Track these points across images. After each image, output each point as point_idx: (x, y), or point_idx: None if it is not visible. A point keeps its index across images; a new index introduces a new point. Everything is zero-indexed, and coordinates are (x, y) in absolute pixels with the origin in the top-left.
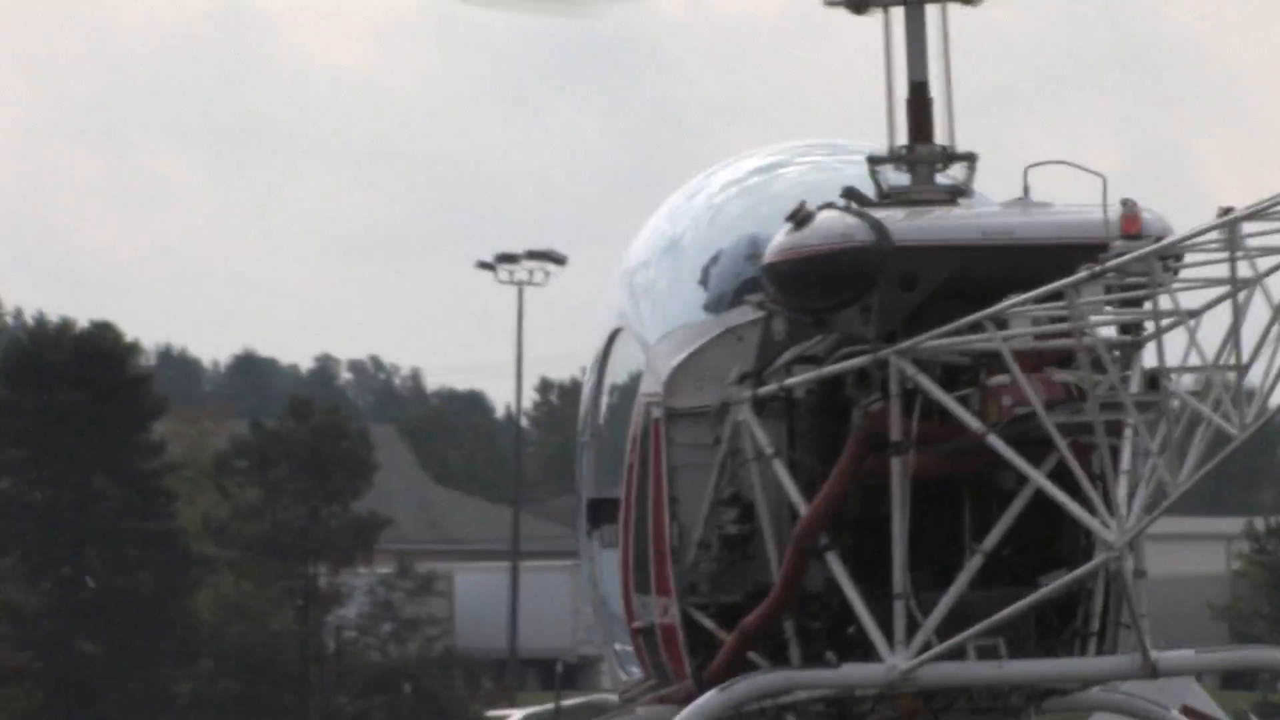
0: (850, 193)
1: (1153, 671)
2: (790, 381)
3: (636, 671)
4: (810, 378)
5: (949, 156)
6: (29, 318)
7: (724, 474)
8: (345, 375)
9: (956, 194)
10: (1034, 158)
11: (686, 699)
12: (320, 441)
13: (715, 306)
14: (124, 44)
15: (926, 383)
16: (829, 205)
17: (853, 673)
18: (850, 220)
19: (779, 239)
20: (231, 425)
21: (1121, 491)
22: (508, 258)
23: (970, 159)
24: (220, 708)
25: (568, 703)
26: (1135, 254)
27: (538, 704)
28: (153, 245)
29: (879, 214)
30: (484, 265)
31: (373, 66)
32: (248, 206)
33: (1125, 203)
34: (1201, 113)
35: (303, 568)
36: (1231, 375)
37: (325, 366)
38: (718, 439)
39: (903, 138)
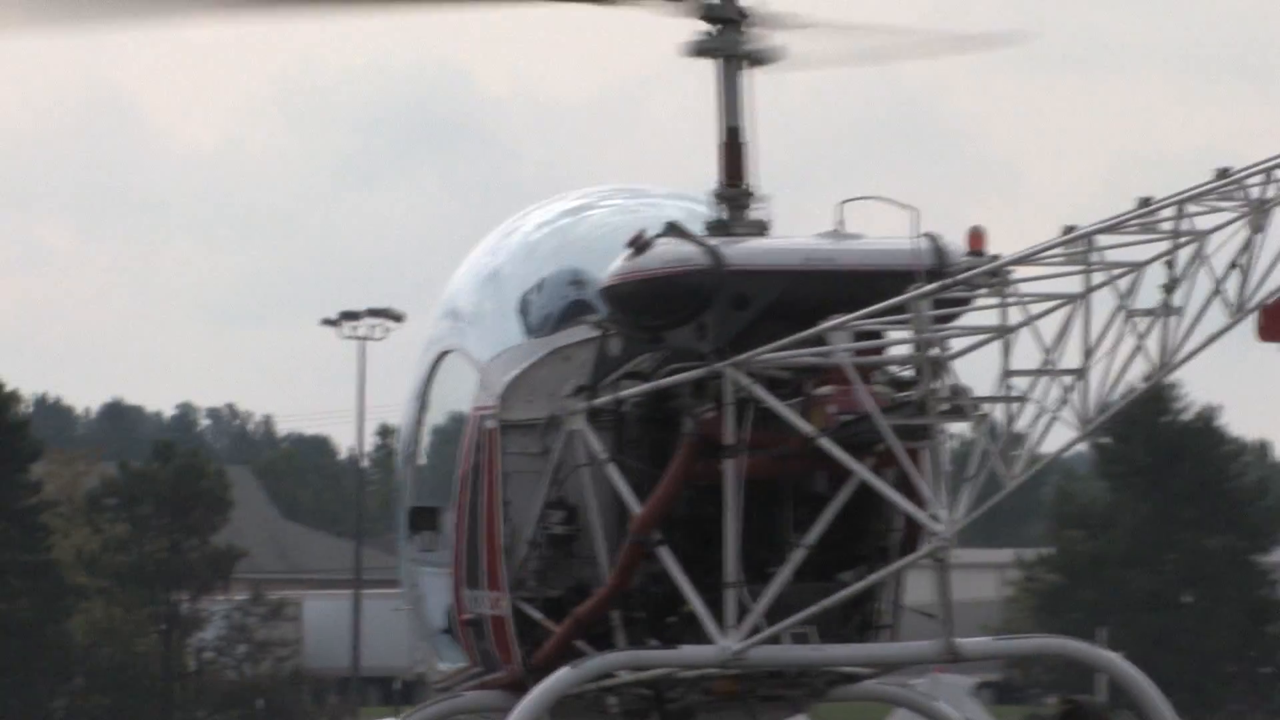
0: (672, 226)
1: (955, 656)
2: (625, 394)
3: (455, 662)
4: (645, 389)
5: (744, 194)
6: None
7: (553, 480)
8: (204, 421)
9: (763, 228)
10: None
11: (512, 684)
12: (181, 481)
13: (540, 330)
14: (5, 122)
15: (761, 392)
16: (665, 234)
17: (691, 653)
18: (687, 247)
19: (619, 264)
20: (102, 467)
21: (939, 489)
22: (350, 315)
23: (765, 198)
24: (95, 715)
25: (408, 715)
26: (984, 267)
27: (378, 718)
28: (30, 304)
29: (713, 241)
30: (329, 322)
31: (230, 142)
32: (116, 270)
33: (931, 235)
34: (979, 183)
35: (166, 595)
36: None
37: (186, 414)
38: (547, 448)
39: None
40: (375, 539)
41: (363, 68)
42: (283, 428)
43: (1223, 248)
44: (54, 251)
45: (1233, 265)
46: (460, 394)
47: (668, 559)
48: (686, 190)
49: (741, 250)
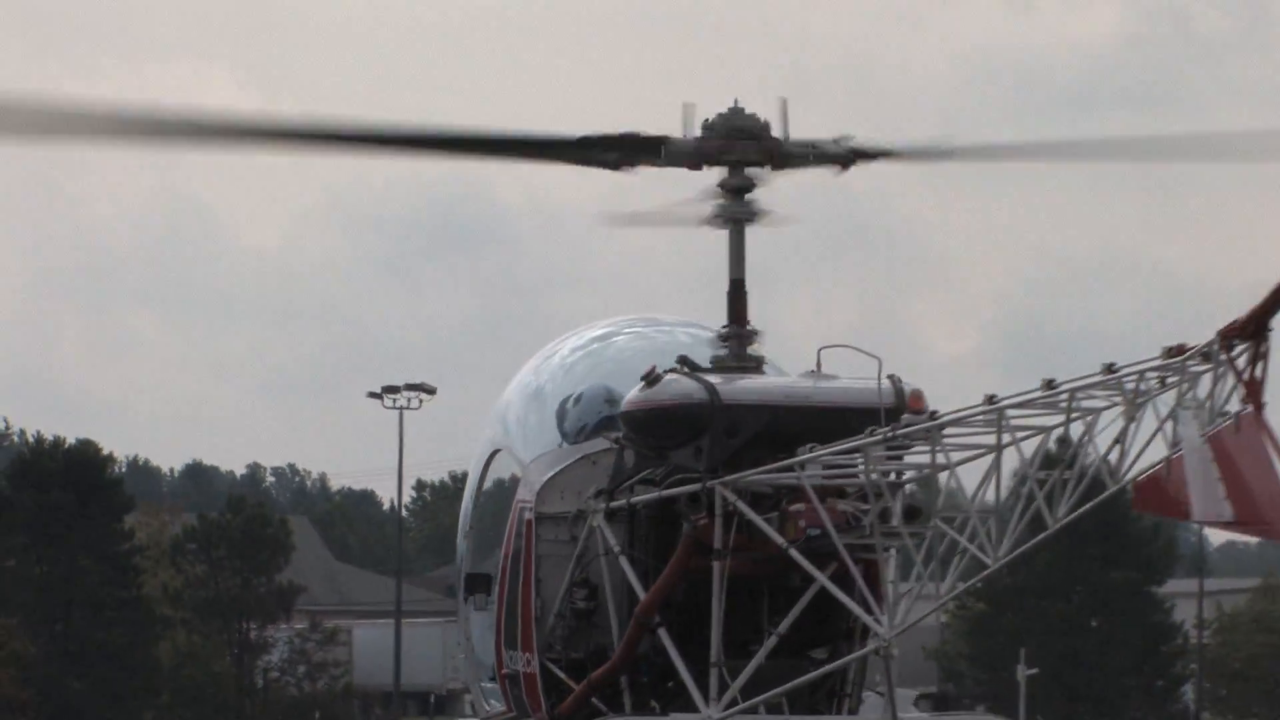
0: (684, 360)
1: None
2: (636, 499)
3: (498, 705)
4: (652, 497)
5: (749, 333)
6: (30, 437)
7: (578, 564)
8: (269, 479)
9: (760, 363)
10: (820, 336)
11: None
12: (250, 529)
13: (574, 438)
14: (96, 225)
15: (743, 507)
16: (673, 370)
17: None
18: (689, 383)
19: (634, 393)
20: (184, 517)
21: (889, 595)
22: (391, 389)
23: (755, 334)
24: None
25: None
26: (921, 425)
27: None
28: (123, 381)
29: (711, 379)
30: (373, 394)
31: (289, 244)
32: (195, 352)
33: (893, 378)
34: (915, 280)
35: (237, 624)
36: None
37: (254, 472)
38: (574, 537)
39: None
40: (413, 576)
41: (399, 179)
42: (335, 483)
43: (1109, 427)
44: (143, 337)
45: (1116, 441)
46: (507, 486)
47: (665, 638)
48: (693, 320)
49: (734, 387)
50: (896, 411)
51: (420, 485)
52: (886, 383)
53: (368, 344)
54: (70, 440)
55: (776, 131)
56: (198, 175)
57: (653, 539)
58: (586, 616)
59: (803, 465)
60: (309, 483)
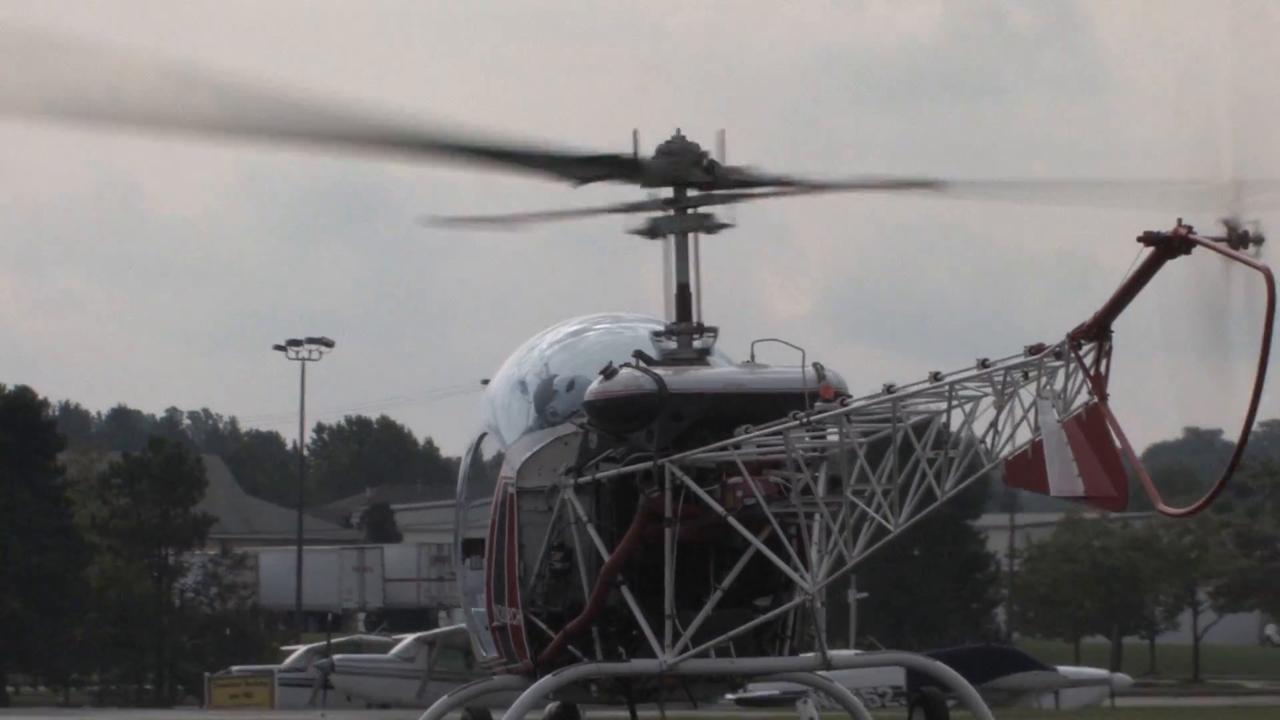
0: (639, 354)
1: (828, 665)
2: (600, 475)
3: (492, 652)
4: (612, 474)
5: (700, 330)
6: None
7: (554, 531)
8: (186, 422)
9: (705, 355)
10: (760, 333)
11: (526, 673)
12: (169, 466)
13: (549, 422)
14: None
15: (689, 482)
16: (627, 364)
17: (639, 665)
18: (641, 375)
19: (595, 385)
20: (110, 455)
21: (813, 555)
22: (294, 342)
23: (714, 331)
24: (103, 644)
25: (336, 640)
26: (832, 413)
27: (315, 641)
28: (55, 335)
29: (659, 371)
30: (278, 347)
31: (206, 213)
32: (121, 310)
33: (816, 365)
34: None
35: (158, 551)
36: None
37: (172, 416)
38: (550, 508)
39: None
40: (313, 508)
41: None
42: (244, 426)
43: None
44: (74, 296)
45: (991, 426)
46: (493, 464)
47: (627, 594)
48: (653, 316)
49: (679, 378)
50: (817, 397)
51: (320, 428)
52: (810, 370)
53: (274, 303)
54: (9, 387)
55: (715, 155)
56: (125, 152)
57: (614, 509)
58: (563, 576)
59: (738, 445)
60: (221, 425)
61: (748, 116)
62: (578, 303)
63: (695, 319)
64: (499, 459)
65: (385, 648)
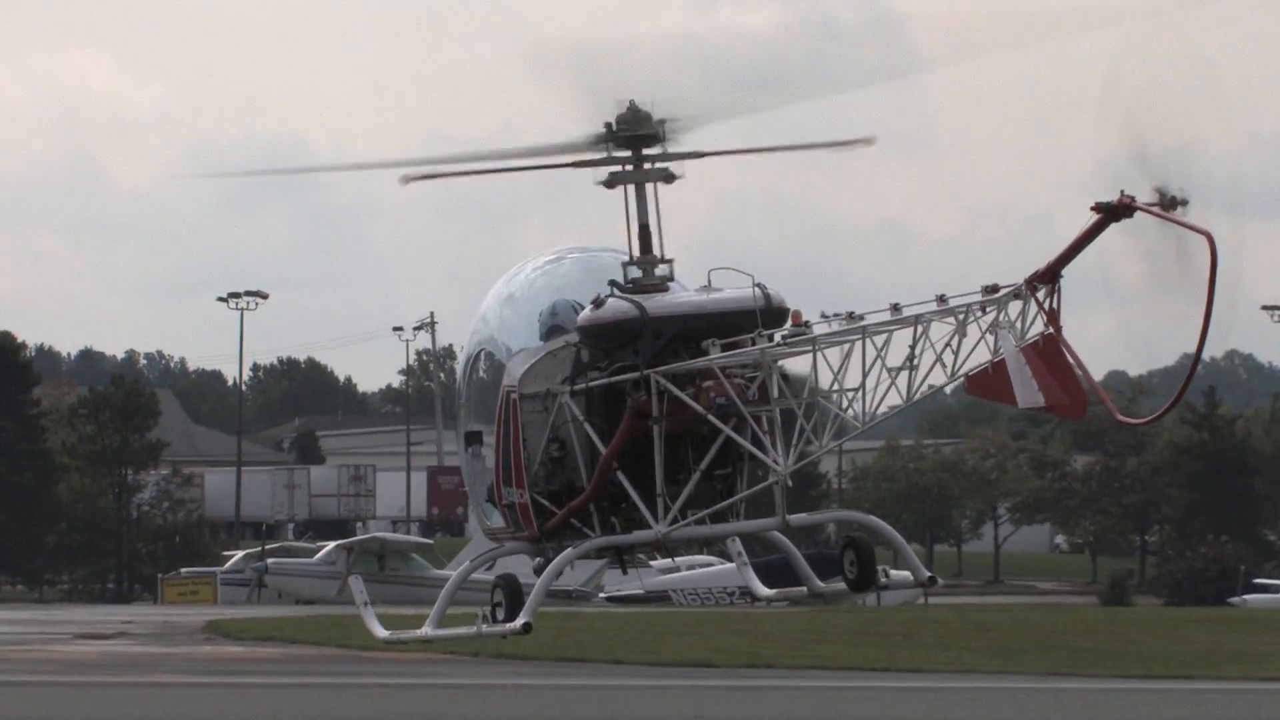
0: (614, 284)
1: (788, 525)
2: (592, 384)
3: (493, 520)
4: (603, 382)
5: (662, 260)
6: None
7: (551, 427)
8: (143, 361)
9: (666, 281)
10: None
11: (531, 540)
12: (128, 399)
13: (541, 338)
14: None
15: (673, 388)
16: (611, 295)
17: (639, 535)
18: (625, 304)
19: (586, 312)
20: (78, 390)
21: (780, 445)
22: (234, 294)
23: (670, 263)
24: (71, 550)
25: (269, 546)
26: (808, 336)
27: (252, 547)
28: (32, 286)
29: (639, 299)
30: (221, 299)
31: (158, 184)
32: (88, 265)
33: (760, 285)
34: None
35: (118, 471)
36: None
37: (131, 356)
38: (546, 408)
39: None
40: (249, 435)
41: (239, 141)
42: (192, 365)
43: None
44: (49, 254)
45: (945, 346)
46: (494, 373)
47: (622, 478)
48: (612, 245)
49: (656, 303)
50: (767, 311)
51: (256, 367)
52: (758, 291)
53: (217, 261)
54: None
55: (661, 121)
56: (89, 133)
57: (604, 410)
58: (559, 463)
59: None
60: (172, 364)
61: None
62: (468, 261)
63: (656, 253)
64: (499, 370)
65: (310, 553)
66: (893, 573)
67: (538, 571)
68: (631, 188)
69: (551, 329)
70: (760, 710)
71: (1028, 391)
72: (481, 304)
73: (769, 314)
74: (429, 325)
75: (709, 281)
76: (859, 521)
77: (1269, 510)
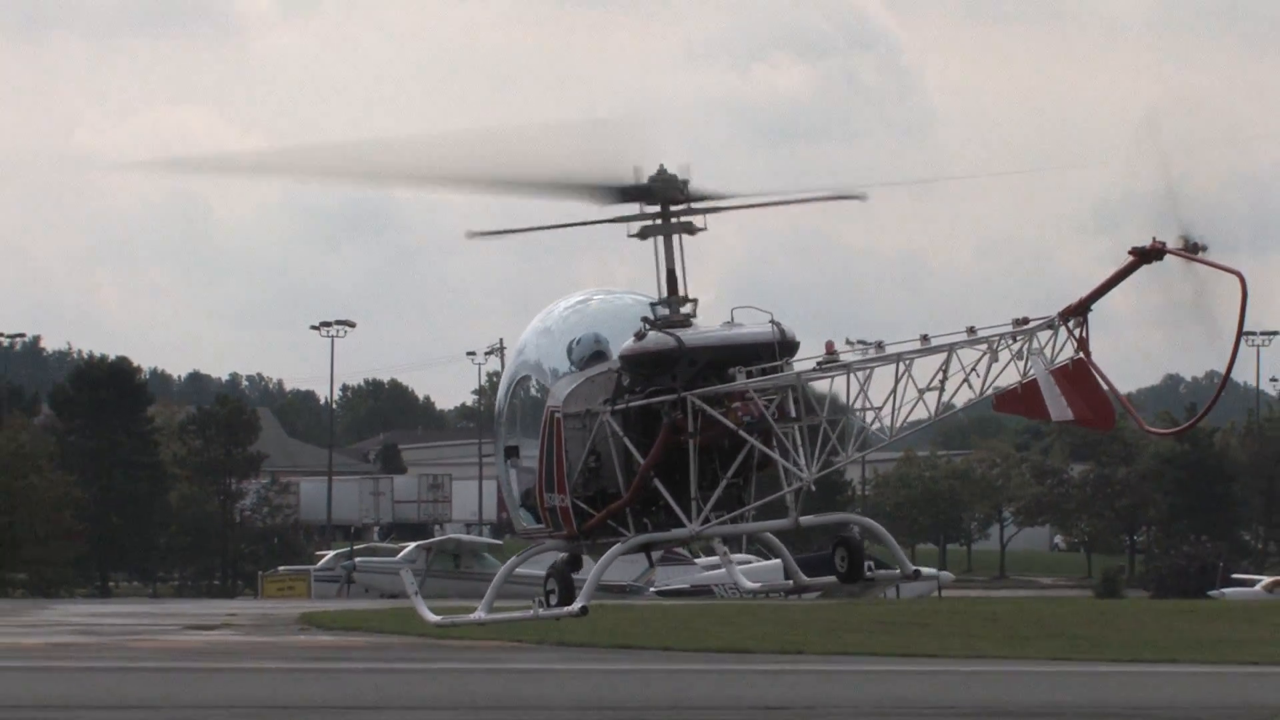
0: (645, 319)
1: (799, 526)
2: (631, 405)
3: (528, 522)
4: (641, 403)
5: (685, 300)
6: (85, 355)
7: (589, 444)
8: (245, 383)
9: (689, 318)
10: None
11: (570, 537)
12: (232, 416)
13: (579, 366)
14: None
15: (707, 407)
16: (651, 329)
17: (678, 533)
18: (665, 336)
19: (629, 344)
20: (187, 408)
21: (802, 457)
22: (326, 323)
23: (694, 302)
24: (181, 551)
25: (357, 546)
26: (841, 364)
27: (341, 547)
28: (148, 317)
29: (677, 332)
30: (314, 326)
31: (260, 225)
32: (196, 298)
33: (774, 322)
34: None
35: (223, 480)
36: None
37: (234, 379)
38: (585, 427)
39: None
40: (339, 449)
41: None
42: (289, 386)
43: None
44: (162, 288)
45: (972, 369)
46: (536, 397)
47: (659, 484)
48: (634, 290)
49: (691, 336)
50: (782, 344)
51: (345, 388)
52: (774, 327)
53: (310, 293)
54: (112, 356)
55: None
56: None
57: (640, 426)
58: (596, 473)
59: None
60: (271, 385)
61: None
62: (531, 293)
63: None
64: (543, 393)
65: (393, 552)
66: (880, 571)
67: (548, 570)
68: (660, 239)
69: (588, 358)
70: (790, 693)
71: (1058, 408)
72: (520, 338)
73: (784, 346)
74: (498, 350)
75: (732, 318)
76: (858, 522)
77: (1244, 513)
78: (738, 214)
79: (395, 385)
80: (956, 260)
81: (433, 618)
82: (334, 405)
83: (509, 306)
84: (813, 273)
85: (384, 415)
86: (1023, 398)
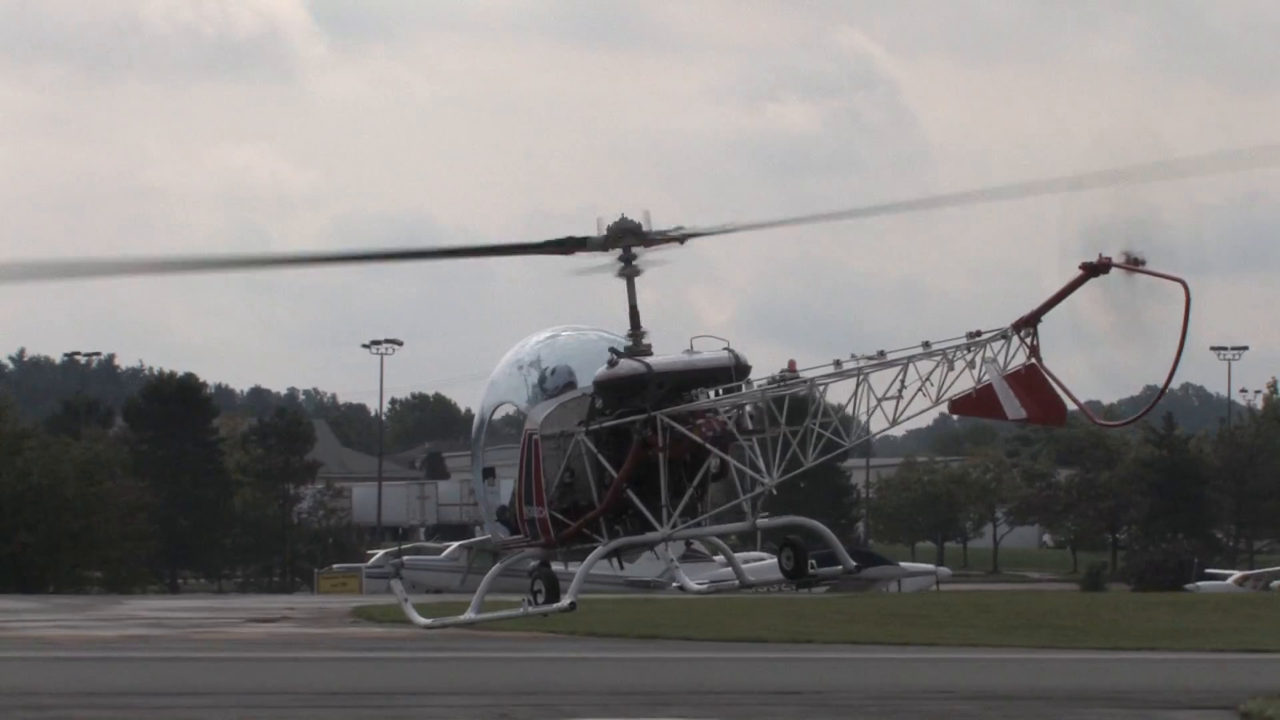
0: (614, 350)
1: (756, 527)
2: (603, 425)
3: (509, 535)
4: (612, 424)
5: (643, 334)
6: (154, 370)
7: (563, 462)
8: (302, 396)
9: (649, 349)
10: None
11: (548, 545)
12: (290, 427)
13: (552, 394)
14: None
15: (675, 425)
16: (622, 357)
17: (652, 536)
18: (635, 363)
19: (602, 370)
20: (249, 420)
21: (762, 464)
22: (376, 341)
23: (646, 333)
24: (243, 550)
25: (404, 546)
26: (803, 380)
27: (390, 547)
28: (213, 336)
29: (645, 359)
30: (365, 345)
31: None
32: (258, 318)
33: (728, 349)
34: None
35: (282, 486)
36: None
37: (292, 393)
38: (560, 447)
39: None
40: (389, 456)
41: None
42: (342, 399)
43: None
44: (225, 309)
45: (926, 379)
46: (514, 422)
47: (631, 494)
48: (599, 326)
49: (657, 362)
50: (737, 367)
51: (393, 401)
52: (728, 354)
53: (361, 313)
54: (180, 373)
55: (645, 226)
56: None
57: (611, 445)
58: (570, 487)
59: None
60: (326, 399)
61: (673, 189)
62: (548, 315)
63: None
64: (517, 419)
65: (438, 551)
66: (821, 569)
67: (531, 572)
68: (625, 279)
69: (560, 387)
70: (802, 678)
71: (1013, 408)
72: (494, 370)
73: (739, 369)
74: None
75: (691, 346)
76: (803, 525)
77: (1216, 513)
78: (750, 245)
79: (439, 398)
80: (951, 283)
81: (421, 620)
82: (383, 417)
83: (541, 326)
84: (818, 293)
85: (429, 426)
86: (977, 401)
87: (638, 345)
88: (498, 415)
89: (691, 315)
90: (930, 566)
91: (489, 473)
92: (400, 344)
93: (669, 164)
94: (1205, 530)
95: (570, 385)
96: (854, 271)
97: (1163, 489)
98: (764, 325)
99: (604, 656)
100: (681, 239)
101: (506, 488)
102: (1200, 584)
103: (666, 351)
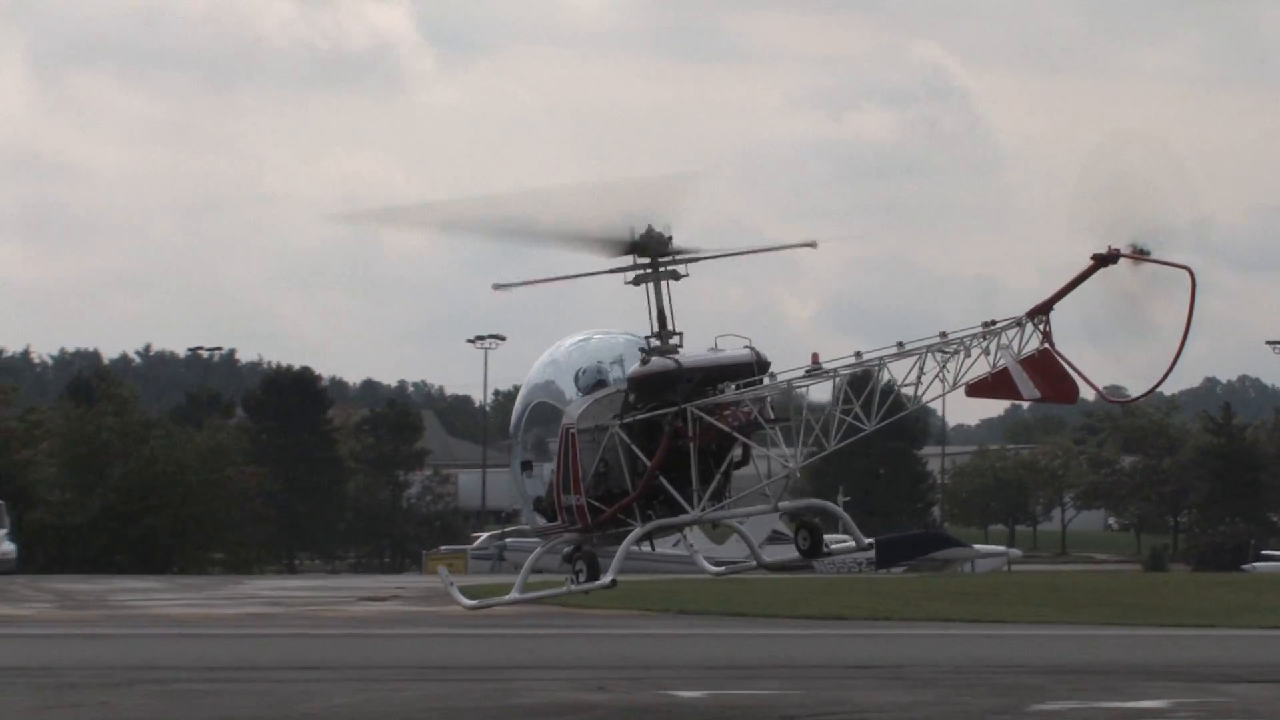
0: (645, 349)
1: (776, 509)
2: (637, 418)
3: (543, 522)
4: (645, 416)
5: (673, 334)
6: (274, 364)
7: (600, 452)
8: (411, 388)
9: (677, 349)
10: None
11: (585, 530)
12: (400, 417)
13: (586, 390)
14: (306, 251)
15: (705, 415)
16: (654, 355)
17: (684, 517)
18: (667, 361)
19: (636, 367)
20: (362, 411)
21: (788, 449)
22: (480, 337)
23: (680, 335)
24: (356, 533)
25: (507, 529)
26: (826, 371)
27: (494, 530)
28: (329, 333)
29: (676, 356)
30: (470, 340)
31: (425, 254)
32: (370, 317)
33: (750, 347)
34: None
35: (393, 472)
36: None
37: (402, 385)
38: (595, 440)
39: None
40: (492, 444)
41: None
42: (449, 391)
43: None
44: (340, 309)
45: (942, 367)
46: (551, 417)
47: (664, 481)
48: (627, 330)
49: (688, 359)
50: (758, 364)
51: (497, 392)
52: (750, 350)
53: (467, 310)
54: (297, 366)
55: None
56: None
57: (643, 436)
58: (605, 476)
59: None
60: (434, 390)
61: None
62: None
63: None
64: (557, 414)
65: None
66: (836, 545)
67: (566, 558)
68: (650, 284)
69: (593, 384)
70: (880, 653)
71: (1027, 388)
72: (530, 372)
73: (759, 365)
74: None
75: (715, 344)
76: (820, 507)
77: (1272, 498)
78: (830, 246)
79: None
80: (1023, 282)
81: (466, 601)
82: (487, 408)
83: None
84: (901, 287)
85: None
86: (993, 384)
87: (665, 344)
88: (535, 413)
89: (776, 312)
90: (1002, 548)
91: (527, 465)
92: (503, 339)
93: (754, 169)
94: (1261, 514)
95: (602, 383)
96: (929, 267)
97: (1221, 475)
98: (846, 321)
99: (693, 633)
100: (695, 257)
101: (544, 478)
102: (1256, 564)
103: (692, 350)
